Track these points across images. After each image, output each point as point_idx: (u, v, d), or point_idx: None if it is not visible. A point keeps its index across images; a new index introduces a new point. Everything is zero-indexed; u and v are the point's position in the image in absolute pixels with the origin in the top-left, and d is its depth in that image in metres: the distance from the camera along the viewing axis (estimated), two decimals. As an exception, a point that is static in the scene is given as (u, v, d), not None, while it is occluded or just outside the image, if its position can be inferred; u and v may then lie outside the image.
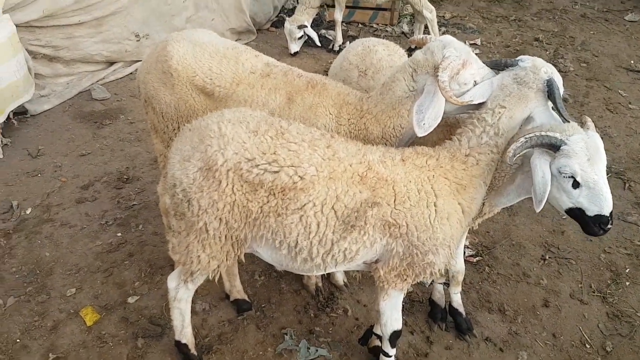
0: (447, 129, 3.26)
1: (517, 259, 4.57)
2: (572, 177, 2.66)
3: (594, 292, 4.26)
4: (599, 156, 2.66)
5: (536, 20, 9.31)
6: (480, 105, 3.04)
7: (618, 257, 4.59)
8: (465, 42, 9.11)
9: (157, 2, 7.20)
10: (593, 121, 2.90)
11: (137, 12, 7.07)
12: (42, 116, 6.37)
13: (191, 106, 3.56)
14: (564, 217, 4.97)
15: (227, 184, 2.82)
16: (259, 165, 2.80)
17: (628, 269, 4.46)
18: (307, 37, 7.78)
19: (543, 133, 2.68)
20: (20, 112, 6.20)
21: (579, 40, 8.57)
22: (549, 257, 4.60)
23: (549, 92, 2.86)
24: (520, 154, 2.74)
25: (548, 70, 2.91)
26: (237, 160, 2.81)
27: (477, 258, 4.53)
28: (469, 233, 4.69)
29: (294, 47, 7.80)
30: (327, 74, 7.24)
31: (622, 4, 9.82)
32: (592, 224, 2.71)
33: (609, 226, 2.70)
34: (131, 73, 7.39)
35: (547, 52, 8.16)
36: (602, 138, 2.78)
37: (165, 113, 3.64)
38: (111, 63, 7.28)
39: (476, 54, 8.78)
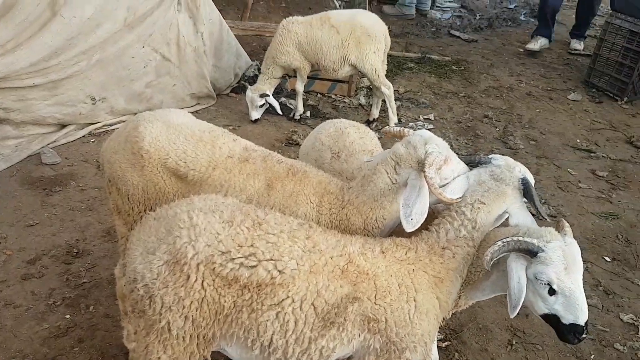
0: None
1: (485, 344, 4.51)
2: (549, 284, 2.66)
3: (561, 379, 4.23)
4: (576, 265, 2.69)
5: (484, 97, 9.68)
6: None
7: (582, 342, 4.59)
8: (419, 117, 9.07)
9: (115, 67, 7.04)
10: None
11: (95, 75, 6.86)
12: (-13, 181, 5.99)
13: (161, 188, 3.41)
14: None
15: (197, 279, 2.63)
16: (234, 259, 2.64)
17: (593, 355, 4.47)
18: (268, 105, 7.82)
19: (520, 238, 2.70)
20: (-38, 177, 5.81)
21: (526, 117, 8.95)
22: (516, 342, 4.56)
23: (525, 189, 2.94)
24: (497, 257, 2.73)
25: (522, 169, 3.03)
26: (210, 252, 2.65)
27: (446, 343, 4.44)
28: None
29: (255, 114, 7.83)
30: (288, 142, 7.34)
31: (565, 83, 10.40)
32: (567, 332, 2.72)
33: (584, 335, 2.71)
34: (84, 136, 7.13)
35: (497, 129, 8.44)
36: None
37: (131, 195, 3.45)
38: (63, 125, 7.00)
39: (430, 129, 8.82)
